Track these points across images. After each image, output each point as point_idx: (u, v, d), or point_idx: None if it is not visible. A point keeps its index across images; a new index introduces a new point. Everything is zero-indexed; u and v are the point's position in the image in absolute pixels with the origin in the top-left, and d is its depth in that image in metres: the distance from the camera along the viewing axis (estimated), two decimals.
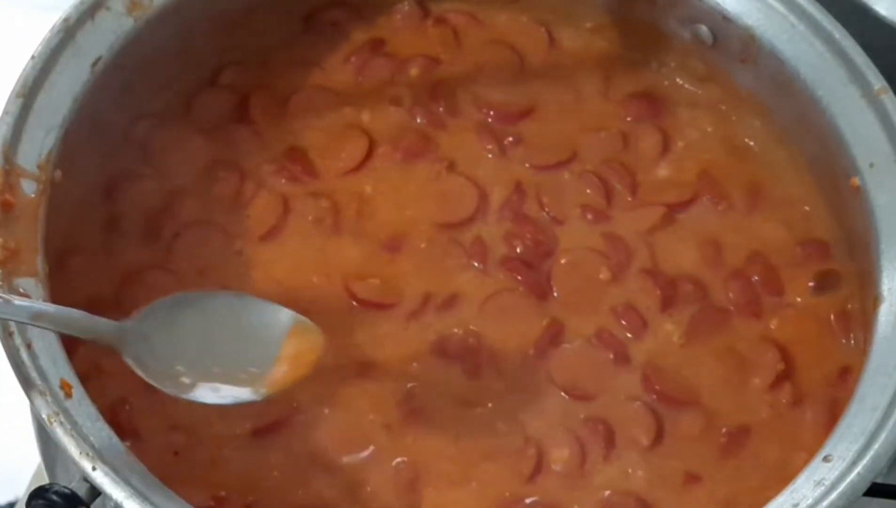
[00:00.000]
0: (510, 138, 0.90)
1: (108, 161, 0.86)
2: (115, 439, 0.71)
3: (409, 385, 0.81)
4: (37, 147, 0.77)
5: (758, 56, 0.87)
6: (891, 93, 0.82)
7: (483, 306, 0.84)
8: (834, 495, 0.71)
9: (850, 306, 0.84)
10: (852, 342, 0.83)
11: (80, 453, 0.69)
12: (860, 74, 0.83)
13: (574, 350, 0.83)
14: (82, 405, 0.71)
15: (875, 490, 0.74)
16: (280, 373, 0.74)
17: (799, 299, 0.86)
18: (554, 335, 0.84)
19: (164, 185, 0.86)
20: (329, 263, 0.85)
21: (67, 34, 0.80)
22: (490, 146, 0.90)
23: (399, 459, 0.79)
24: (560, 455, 0.80)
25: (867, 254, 0.81)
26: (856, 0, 0.90)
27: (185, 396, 0.72)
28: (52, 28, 0.80)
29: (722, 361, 0.83)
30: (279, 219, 0.86)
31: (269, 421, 0.80)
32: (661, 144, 0.91)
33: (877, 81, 0.83)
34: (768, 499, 0.72)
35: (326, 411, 0.80)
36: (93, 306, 0.74)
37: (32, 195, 0.76)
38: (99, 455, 0.69)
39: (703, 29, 0.89)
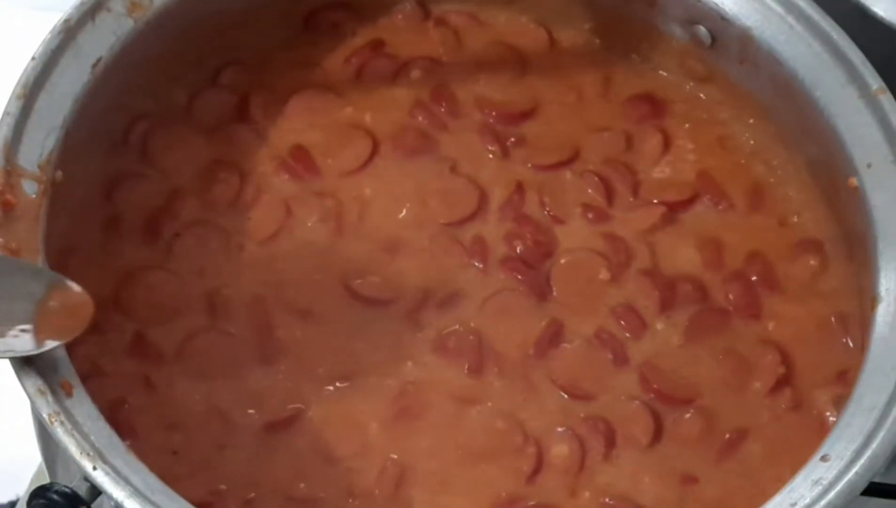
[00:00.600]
0: (512, 139, 0.90)
1: (108, 161, 0.86)
2: (116, 438, 0.71)
3: (407, 383, 0.82)
4: (37, 148, 0.77)
5: (756, 57, 0.87)
6: (888, 93, 0.82)
7: (483, 306, 0.84)
8: (832, 494, 0.71)
9: (848, 306, 0.84)
10: (850, 342, 0.84)
11: (81, 452, 0.69)
12: (858, 74, 0.83)
13: (573, 350, 0.84)
14: (83, 405, 0.71)
15: (873, 490, 0.74)
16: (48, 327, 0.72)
17: (798, 300, 0.86)
18: (553, 335, 0.84)
19: (164, 185, 0.87)
20: (330, 261, 0.85)
21: (68, 35, 0.80)
22: (492, 147, 0.90)
23: (396, 456, 0.79)
24: (560, 452, 0.80)
25: (865, 254, 0.81)
26: (854, 1, 0.90)
27: None
28: (53, 29, 0.80)
29: (721, 362, 0.84)
30: (281, 219, 0.86)
31: (269, 420, 0.80)
32: (662, 144, 0.91)
33: (874, 82, 0.83)
34: (764, 501, 0.72)
35: (326, 408, 0.80)
36: None
37: (33, 196, 0.76)
38: (100, 455, 0.69)
39: (702, 30, 0.90)
